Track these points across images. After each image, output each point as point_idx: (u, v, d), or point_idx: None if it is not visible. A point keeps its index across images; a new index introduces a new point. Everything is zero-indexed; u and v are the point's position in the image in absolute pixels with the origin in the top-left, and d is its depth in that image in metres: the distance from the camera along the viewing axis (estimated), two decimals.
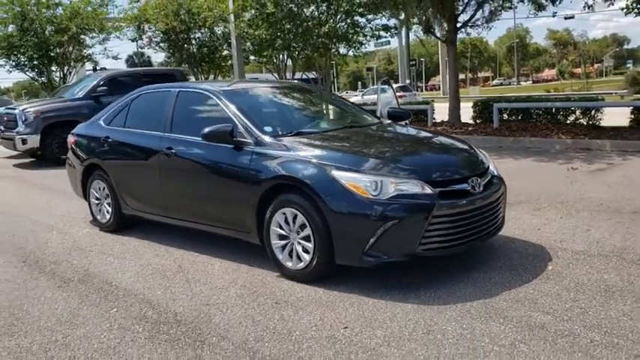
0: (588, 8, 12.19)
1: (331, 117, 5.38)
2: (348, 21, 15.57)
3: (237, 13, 17.15)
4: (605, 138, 10.07)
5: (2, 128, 12.41)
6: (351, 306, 3.62)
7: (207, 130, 4.44)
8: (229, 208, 4.54)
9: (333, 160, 3.98)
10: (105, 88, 12.38)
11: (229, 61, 20.42)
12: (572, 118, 11.62)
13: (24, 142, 11.62)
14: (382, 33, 16.55)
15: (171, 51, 19.80)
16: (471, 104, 13.71)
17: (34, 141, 11.64)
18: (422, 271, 4.07)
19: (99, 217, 5.97)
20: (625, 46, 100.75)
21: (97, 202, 5.96)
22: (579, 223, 5.27)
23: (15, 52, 19.78)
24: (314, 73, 18.57)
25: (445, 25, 12.79)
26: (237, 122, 4.52)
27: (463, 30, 13.20)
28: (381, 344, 3.08)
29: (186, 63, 19.22)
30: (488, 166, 4.39)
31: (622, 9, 11.07)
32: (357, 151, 4.20)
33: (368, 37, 16.22)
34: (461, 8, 12.71)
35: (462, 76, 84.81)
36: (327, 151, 4.13)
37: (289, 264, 4.13)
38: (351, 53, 17.44)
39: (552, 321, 3.24)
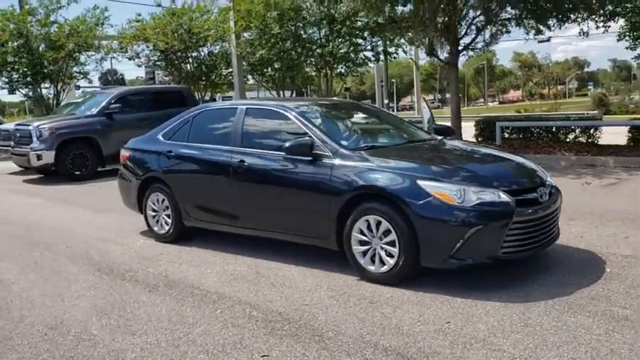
0: (583, 34, 12.89)
1: (393, 132, 5.74)
2: (349, 42, 16.06)
3: (238, 33, 17.55)
4: (606, 155, 10.67)
5: (13, 144, 12.47)
6: (442, 304, 3.95)
7: (288, 144, 4.76)
8: (306, 217, 4.84)
9: (414, 170, 4.33)
10: (118, 105, 12.57)
11: (226, 79, 20.73)
12: (571, 136, 12.23)
13: (39, 157, 11.69)
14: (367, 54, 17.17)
15: (169, 69, 19.98)
16: (465, 123, 14.26)
17: (48, 157, 11.72)
18: (492, 275, 4.42)
19: (156, 229, 6.18)
20: (585, 69, 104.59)
21: (153, 213, 6.18)
22: (616, 231, 5.71)
23: (8, 69, 19.73)
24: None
25: (448, 47, 13.34)
26: (313, 136, 4.84)
27: (465, 52, 13.79)
28: (489, 335, 3.41)
29: (184, 81, 19.43)
30: (547, 178, 4.80)
31: (617, 37, 11.73)
32: (435, 163, 4.56)
33: (369, 58, 16.73)
34: (463, 32, 13.27)
35: (431, 96, 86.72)
36: (406, 162, 4.49)
37: (371, 268, 4.44)
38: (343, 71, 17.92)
39: (633, 314, 3.62)
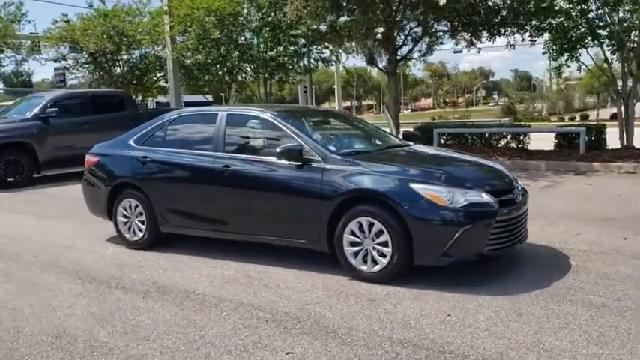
0: (510, 47, 13.81)
1: (370, 138, 5.99)
2: (289, 50, 16.25)
3: (173, 37, 17.30)
4: (537, 160, 11.51)
5: None
6: (437, 299, 4.22)
7: (279, 149, 4.90)
8: (296, 220, 4.98)
9: (405, 174, 4.60)
10: (54, 109, 12.07)
11: (158, 84, 20.35)
12: (503, 142, 13.07)
13: None
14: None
15: (98, 73, 19.33)
16: (402, 129, 14.86)
17: None
18: (474, 271, 4.75)
19: (128, 236, 6.09)
20: (490, 79, 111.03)
21: (125, 220, 6.09)
22: (567, 228, 6.26)
23: None
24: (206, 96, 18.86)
25: (387, 57, 13.86)
26: (301, 142, 4.99)
27: (403, 62, 14.38)
28: (490, 325, 3.71)
29: (114, 85, 18.86)
30: (516, 180, 5.23)
31: (543, 51, 12.69)
32: (421, 167, 4.85)
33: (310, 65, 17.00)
34: (401, 43, 13.84)
35: (347, 103, 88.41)
36: (396, 166, 4.76)
37: (364, 267, 4.65)
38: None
39: (608, 301, 4.05)
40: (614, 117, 37.84)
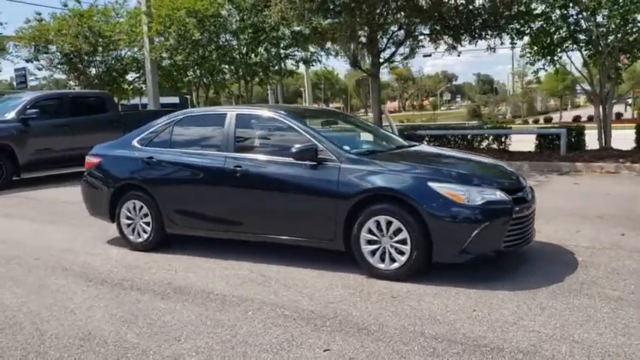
0: (491, 50, 14.09)
1: (378, 138, 6.04)
2: (273, 52, 16.25)
3: (152, 38, 17.10)
4: (520, 160, 11.78)
5: None
6: (458, 295, 4.29)
7: (295, 149, 4.91)
8: (311, 219, 5.00)
9: (423, 173, 4.67)
10: (34, 110, 11.81)
11: (134, 85, 20.07)
12: (484, 143, 13.32)
13: None
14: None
15: (73, 74, 18.95)
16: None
17: None
18: (486, 268, 4.85)
19: (132, 237, 6.01)
20: (454, 82, 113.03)
21: (129, 222, 6.00)
22: (567, 226, 6.43)
23: None
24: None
25: (370, 60, 13.99)
26: (316, 142, 5.02)
27: (386, 65, 14.54)
28: (517, 319, 3.80)
29: (90, 86, 18.53)
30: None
31: (522, 54, 12.98)
32: (436, 166, 4.93)
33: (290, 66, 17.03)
34: (384, 46, 14.00)
35: (315, 106, 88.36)
36: (410, 166, 4.82)
37: (382, 265, 4.70)
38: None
39: (623, 294, 4.19)
40: (576, 119, 39.00)
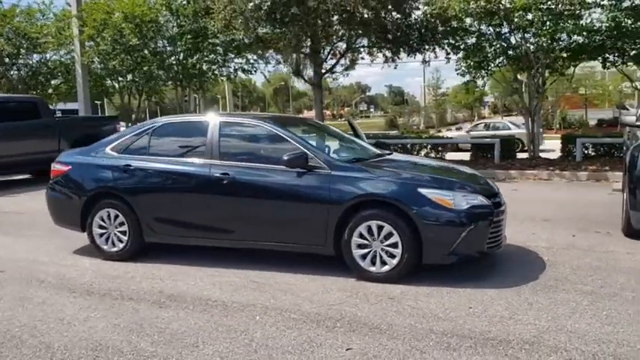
0: (426, 62, 14.79)
1: (356, 147, 6.23)
2: (210, 58, 16.13)
3: (83, 42, 16.50)
4: None
5: None
6: (450, 294, 4.56)
7: (286, 156, 5.03)
8: (301, 225, 5.12)
9: (412, 179, 4.94)
10: None
11: (60, 89, 19.20)
12: (423, 152, 13.93)
13: None
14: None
15: None
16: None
17: None
18: (466, 269, 5.16)
19: (105, 247, 5.86)
20: (367, 93, 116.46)
21: (101, 231, 5.85)
22: (520, 229, 6.91)
23: None
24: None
25: (313, 70, 14.28)
26: (304, 149, 5.15)
27: (329, 74, 14.88)
28: (512, 314, 4.10)
29: (13, 90, 17.52)
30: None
31: (456, 68, 13.71)
32: (422, 173, 5.20)
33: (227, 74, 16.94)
34: (325, 57, 14.35)
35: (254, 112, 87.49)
36: (398, 173, 5.07)
37: (372, 268, 4.90)
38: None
39: (594, 289, 4.62)
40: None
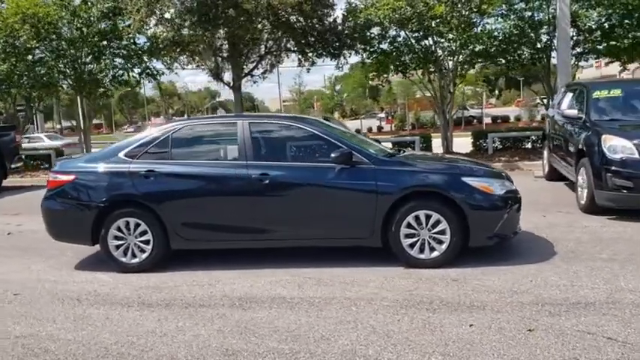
0: (339, 68, 15.39)
1: (372, 144, 6.43)
2: (116, 62, 15.28)
3: None
4: None
5: None
6: (501, 272, 4.93)
7: (334, 154, 5.16)
8: (347, 220, 5.25)
9: (452, 169, 5.34)
10: None
11: None
12: None
13: None
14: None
15: None
16: None
17: None
18: (482, 252, 5.61)
19: (124, 259, 5.52)
20: (218, 99, 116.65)
21: (118, 242, 5.50)
22: None
23: None
24: None
25: (234, 73, 14.18)
26: (345, 147, 5.30)
27: (250, 77, 14.85)
28: (571, 282, 4.58)
29: None
30: None
31: (371, 70, 14.44)
32: (456, 164, 5.60)
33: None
34: (246, 61, 14.34)
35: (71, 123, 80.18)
36: (438, 164, 5.44)
37: (422, 256, 5.20)
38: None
39: (612, 256, 5.27)
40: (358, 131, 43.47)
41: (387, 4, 11.99)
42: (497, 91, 59.65)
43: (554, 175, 9.89)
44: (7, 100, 16.80)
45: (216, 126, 5.85)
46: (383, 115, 50.49)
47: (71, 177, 5.58)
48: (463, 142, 15.02)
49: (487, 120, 38.31)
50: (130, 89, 16.98)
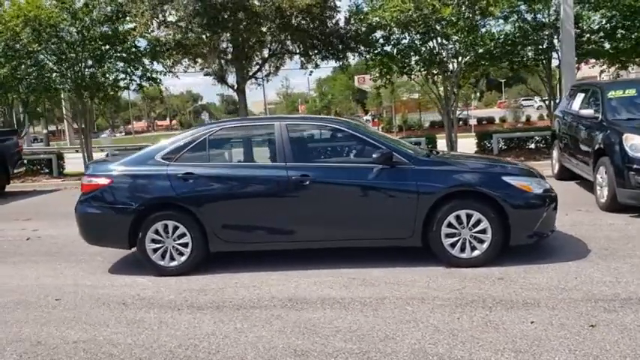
0: (344, 68, 15.41)
1: (406, 142, 6.46)
2: (119, 66, 15.16)
3: None
4: None
5: None
6: (544, 269, 4.98)
7: (375, 155, 5.19)
8: (389, 220, 5.28)
9: (492, 168, 5.40)
10: None
11: None
12: None
13: None
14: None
15: None
16: None
17: None
18: (517, 251, 5.66)
19: (162, 263, 5.48)
20: (200, 102, 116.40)
21: (156, 246, 5.47)
22: None
23: None
24: None
25: (239, 76, 14.16)
26: (385, 147, 5.33)
27: (254, 79, 14.84)
28: (616, 279, 4.66)
29: None
30: None
31: (374, 73, 14.50)
32: (495, 163, 5.65)
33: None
34: (250, 63, 14.33)
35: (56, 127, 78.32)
36: (472, 163, 5.49)
37: (463, 255, 5.23)
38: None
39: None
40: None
41: (394, 6, 12.04)
42: (478, 93, 60.20)
43: (564, 175, 9.99)
44: (7, 104, 16.56)
45: (252, 128, 5.84)
46: (368, 117, 50.63)
47: (107, 180, 5.53)
48: (466, 143, 15.16)
49: (473, 122, 38.45)
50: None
